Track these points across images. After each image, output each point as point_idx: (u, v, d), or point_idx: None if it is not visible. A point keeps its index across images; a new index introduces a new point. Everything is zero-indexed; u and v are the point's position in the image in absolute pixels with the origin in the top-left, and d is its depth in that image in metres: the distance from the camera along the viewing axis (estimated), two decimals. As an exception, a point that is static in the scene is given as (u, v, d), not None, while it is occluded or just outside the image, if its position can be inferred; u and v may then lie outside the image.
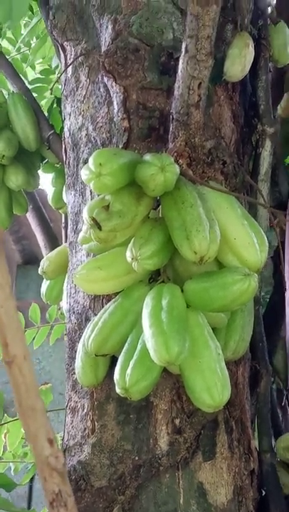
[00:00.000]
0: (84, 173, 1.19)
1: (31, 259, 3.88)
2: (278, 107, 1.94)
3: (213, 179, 1.36)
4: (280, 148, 1.99)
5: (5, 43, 2.89)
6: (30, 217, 2.39)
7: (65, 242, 1.88)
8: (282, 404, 1.74)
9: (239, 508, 1.31)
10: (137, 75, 1.44)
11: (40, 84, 2.67)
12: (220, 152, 1.37)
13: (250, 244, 1.23)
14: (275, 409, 1.66)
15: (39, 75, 2.97)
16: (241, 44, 1.46)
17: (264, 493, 1.37)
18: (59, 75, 1.72)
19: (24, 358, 0.67)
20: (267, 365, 1.46)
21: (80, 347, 1.32)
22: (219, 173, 1.38)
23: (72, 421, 1.37)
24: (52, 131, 1.98)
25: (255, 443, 1.40)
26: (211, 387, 1.14)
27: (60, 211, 2.21)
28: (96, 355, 1.26)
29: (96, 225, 1.18)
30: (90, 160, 1.18)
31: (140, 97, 1.44)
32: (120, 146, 1.42)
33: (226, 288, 1.17)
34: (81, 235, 1.33)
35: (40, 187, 2.23)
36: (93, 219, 1.18)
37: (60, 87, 1.77)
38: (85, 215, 1.20)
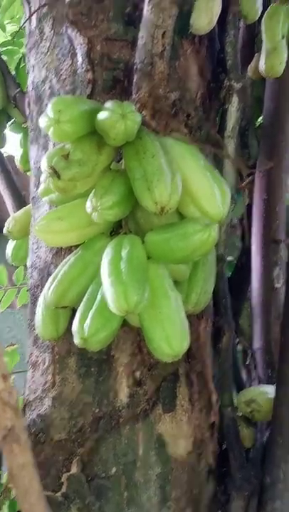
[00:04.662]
0: (43, 120, 1.17)
1: (1, 229, 3.83)
2: (248, 68, 1.92)
3: (177, 131, 1.34)
4: (250, 110, 1.97)
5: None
6: (-1, 181, 2.35)
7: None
8: (247, 363, 1.75)
9: (199, 460, 1.32)
10: (101, 26, 1.41)
11: (11, 47, 2.61)
12: (184, 104, 1.36)
13: (211, 196, 1.22)
14: (238, 366, 1.67)
15: (9, 38, 2.91)
16: (208, -4, 1.43)
17: (224, 446, 1.38)
18: (21, 25, 1.68)
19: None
20: (229, 321, 1.46)
21: (40, 300, 1.30)
22: (183, 125, 1.36)
23: (34, 376, 1.36)
24: (18, 89, 1.94)
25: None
26: (170, 337, 1.14)
27: (28, 174, 2.18)
28: (56, 308, 1.25)
29: (55, 173, 1.16)
30: (49, 106, 1.16)
31: (105, 48, 1.41)
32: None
33: (186, 238, 1.16)
34: (41, 186, 1.31)
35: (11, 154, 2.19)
36: (52, 167, 1.16)
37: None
38: (43, 163, 1.18)
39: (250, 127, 1.96)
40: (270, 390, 1.41)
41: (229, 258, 2.18)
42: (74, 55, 1.44)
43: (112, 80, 1.39)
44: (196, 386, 1.33)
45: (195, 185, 1.22)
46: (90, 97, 1.40)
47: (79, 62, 1.42)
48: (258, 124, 2.02)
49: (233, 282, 1.94)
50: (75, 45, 1.43)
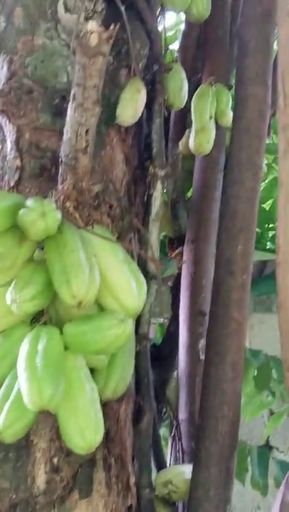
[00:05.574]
0: None
1: None
2: (180, 144, 2.00)
3: (100, 222, 1.40)
4: (181, 183, 2.06)
5: None
6: None
7: None
8: (172, 434, 1.79)
9: None
10: (30, 116, 1.46)
11: None
12: (107, 196, 1.42)
13: (128, 289, 1.27)
14: (159, 444, 1.71)
15: None
16: (133, 89, 1.50)
17: (142, 527, 1.41)
18: None
19: None
20: (150, 401, 1.50)
21: None
22: (106, 215, 1.42)
23: None
24: None
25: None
26: (84, 430, 1.17)
27: None
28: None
29: (-26, 268, 1.20)
30: None
31: (33, 136, 1.46)
32: (12, 184, 1.44)
33: (101, 332, 1.20)
34: None
35: None
36: (-28, 263, 1.19)
37: None
38: None
39: (180, 200, 2.04)
40: (187, 469, 1.45)
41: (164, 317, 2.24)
42: (4, 141, 1.49)
43: (39, 168, 1.44)
44: (114, 470, 1.37)
45: (113, 279, 1.27)
46: (17, 182, 1.44)
47: (8, 149, 1.47)
48: (189, 196, 2.10)
49: (162, 350, 2.00)
50: (4, 131, 1.48)
